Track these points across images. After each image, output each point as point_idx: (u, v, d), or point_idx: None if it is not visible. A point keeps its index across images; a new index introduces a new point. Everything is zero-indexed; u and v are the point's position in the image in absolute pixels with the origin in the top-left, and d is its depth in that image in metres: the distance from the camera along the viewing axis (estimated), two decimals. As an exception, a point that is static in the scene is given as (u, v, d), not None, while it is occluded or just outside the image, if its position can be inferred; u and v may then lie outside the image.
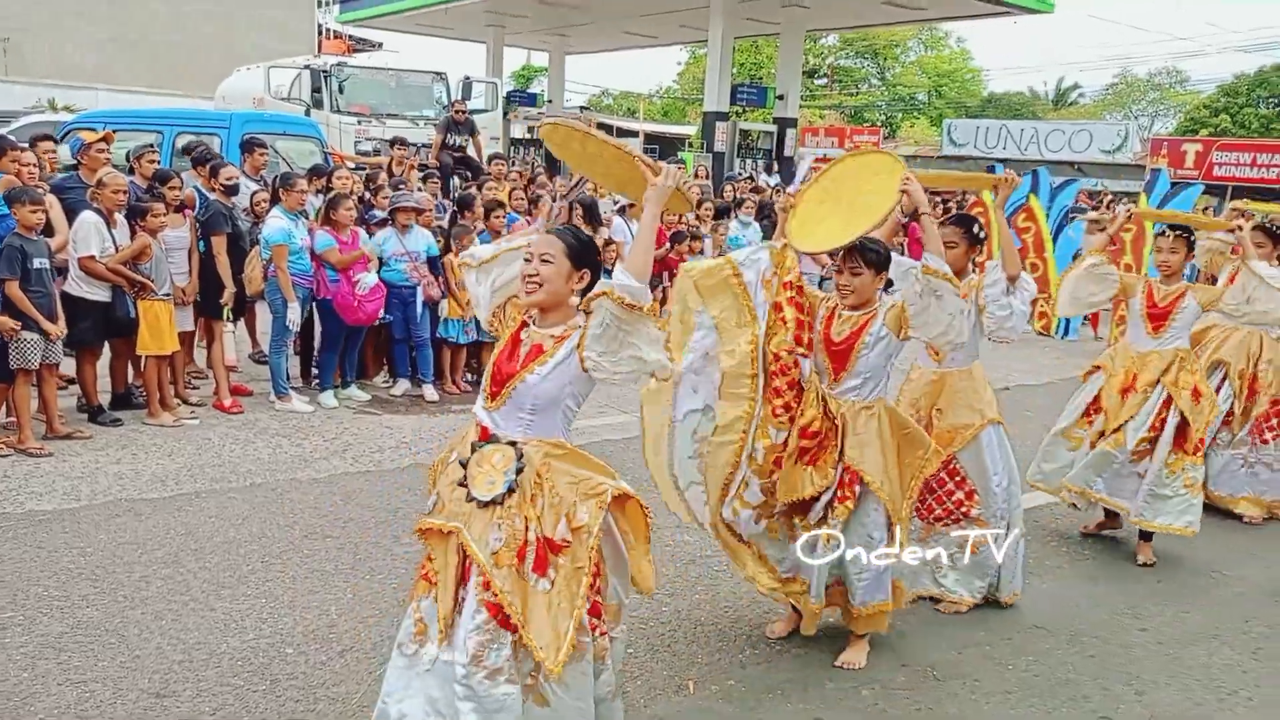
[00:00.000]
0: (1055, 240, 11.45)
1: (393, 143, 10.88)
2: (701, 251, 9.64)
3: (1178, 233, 4.83)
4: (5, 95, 20.76)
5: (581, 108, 36.89)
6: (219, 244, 6.80)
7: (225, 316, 7.00)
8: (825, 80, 46.20)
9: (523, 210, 8.65)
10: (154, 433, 6.13)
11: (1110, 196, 15.19)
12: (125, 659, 3.46)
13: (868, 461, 3.57)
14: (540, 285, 2.65)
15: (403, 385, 7.59)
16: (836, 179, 3.65)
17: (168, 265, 6.36)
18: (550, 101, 28.16)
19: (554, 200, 3.04)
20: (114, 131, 7.95)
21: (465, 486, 2.66)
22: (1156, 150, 26.62)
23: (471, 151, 12.34)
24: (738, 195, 11.36)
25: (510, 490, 2.61)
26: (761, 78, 35.40)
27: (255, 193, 7.80)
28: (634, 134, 30.07)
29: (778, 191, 14.67)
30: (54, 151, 8.21)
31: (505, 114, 24.39)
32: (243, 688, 3.32)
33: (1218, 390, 5.50)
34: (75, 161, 7.47)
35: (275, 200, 7.04)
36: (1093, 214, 12.07)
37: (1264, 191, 20.92)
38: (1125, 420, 4.78)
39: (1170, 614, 4.32)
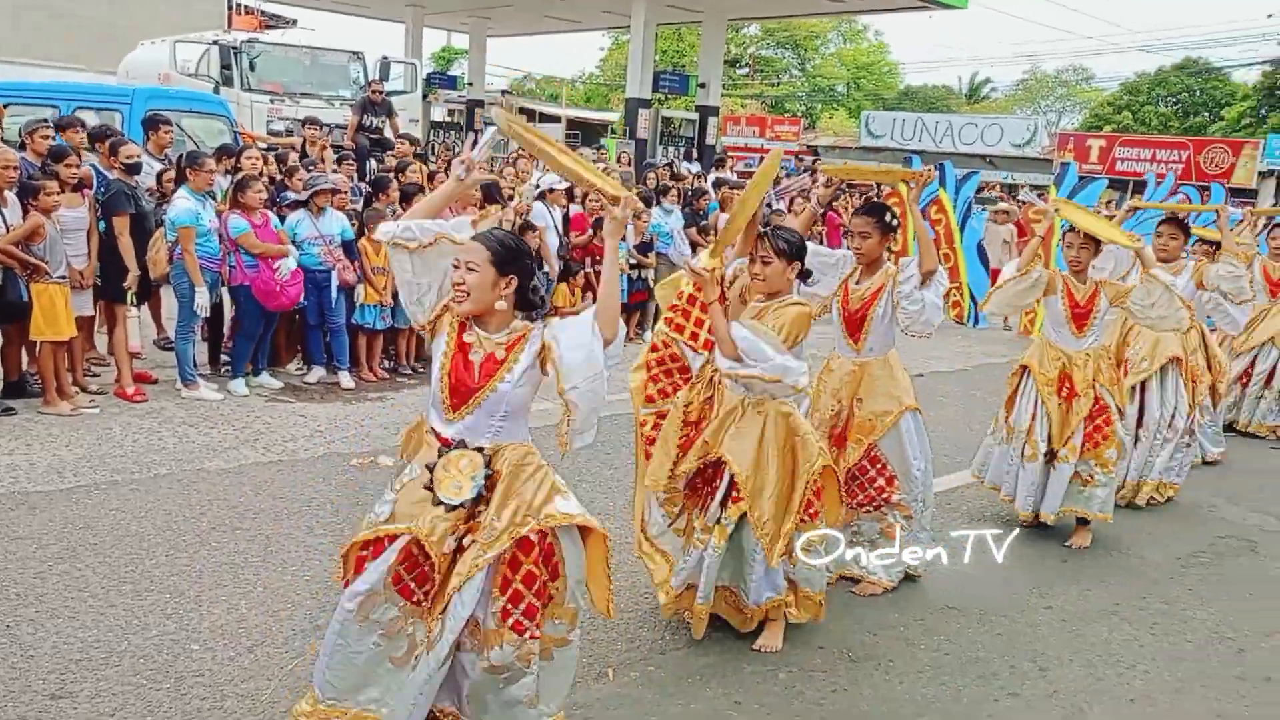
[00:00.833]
0: (961, 231, 11.74)
1: (305, 122, 10.57)
2: (624, 238, 9.61)
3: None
4: (-113, 65, 19.52)
5: (503, 91, 36.44)
6: (121, 225, 6.49)
7: (129, 301, 6.72)
8: (747, 70, 46.56)
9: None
10: (50, 422, 5.85)
11: (1028, 189, 15.65)
12: (18, 659, 3.30)
13: (737, 454, 3.59)
14: (468, 294, 2.68)
15: (317, 372, 7.40)
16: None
17: (63, 247, 6.06)
18: (471, 84, 27.75)
19: (463, 166, 2.85)
20: (5, 106, 7.54)
21: (431, 490, 2.65)
22: (1064, 145, 27.60)
23: (389, 133, 12.07)
24: (661, 183, 11.35)
25: (479, 497, 2.65)
26: (684, 66, 35.47)
27: (162, 172, 7.48)
28: (556, 119, 29.90)
29: (699, 178, 14.75)
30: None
31: (425, 96, 23.94)
32: (145, 687, 3.20)
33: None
34: (-39, 137, 7.06)
35: (181, 180, 6.77)
36: (1002, 205, 12.41)
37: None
38: (1073, 430, 4.90)
39: (1075, 593, 4.48)
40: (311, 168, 8.62)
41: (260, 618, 3.70)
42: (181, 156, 7.01)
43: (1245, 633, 4.20)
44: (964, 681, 3.64)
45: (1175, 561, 4.98)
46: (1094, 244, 4.95)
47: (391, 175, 8.46)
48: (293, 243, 7.06)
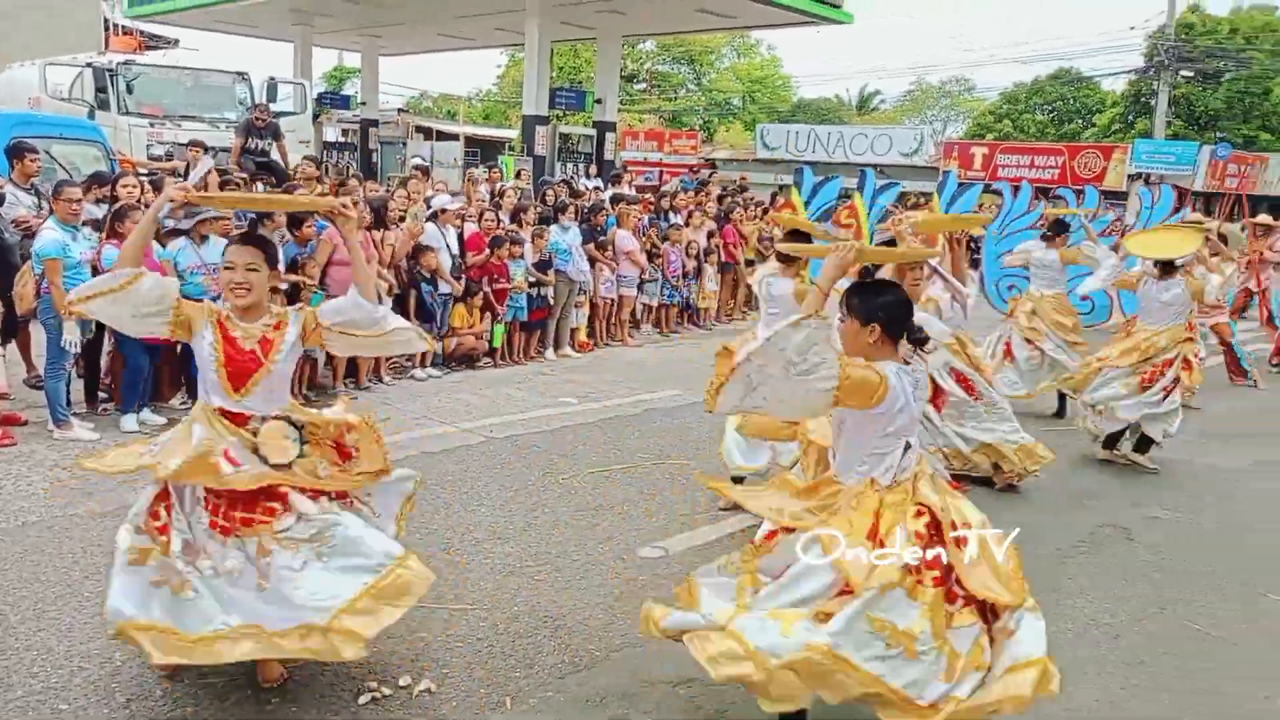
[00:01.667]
0: (872, 239, 12.08)
1: (189, 144, 10.23)
2: (521, 256, 9.56)
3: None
4: None
5: (399, 110, 35.93)
6: (-20, 259, 6.16)
7: (-8, 339, 6.36)
8: (644, 85, 46.98)
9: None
10: (-93, 472, 5.49)
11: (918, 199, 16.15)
12: None
13: None
14: (249, 291, 3.27)
15: (203, 405, 7.12)
16: None
17: (-83, 284, 5.71)
18: (364, 104, 27.28)
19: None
20: None
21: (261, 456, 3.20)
22: (949, 153, 28.62)
23: (276, 156, 11.77)
24: (559, 200, 11.33)
25: (302, 453, 3.27)
26: (581, 81, 35.59)
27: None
28: (454, 137, 29.59)
29: (597, 192, 14.79)
30: None
31: (316, 116, 23.45)
32: (8, 752, 3.01)
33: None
34: None
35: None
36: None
37: (1043, 190, 22.72)
38: None
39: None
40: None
41: (136, 669, 3.52)
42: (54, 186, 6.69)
43: (1121, 619, 4.39)
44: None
45: (1057, 552, 5.18)
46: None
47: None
48: (175, 272, 6.80)
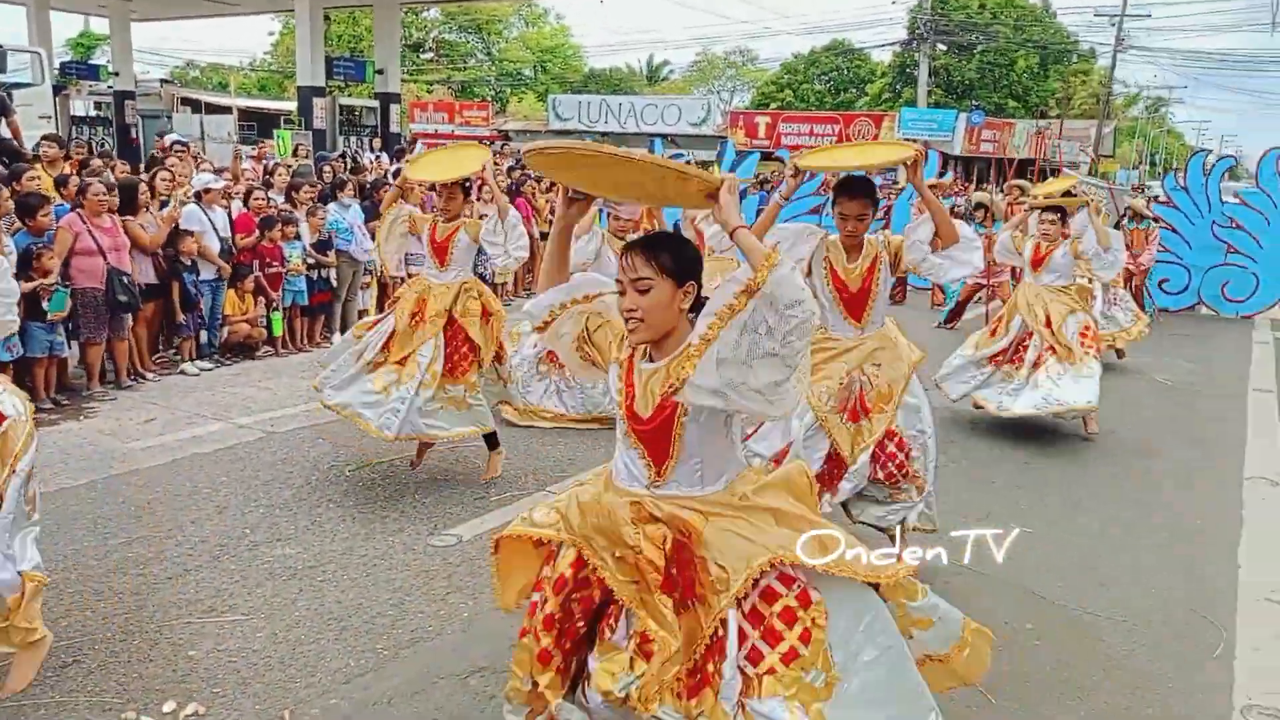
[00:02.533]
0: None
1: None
2: (297, 237, 9.02)
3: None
4: None
5: (162, 81, 33.10)
6: None
7: None
8: (431, 54, 45.59)
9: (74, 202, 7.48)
10: None
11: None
12: None
13: None
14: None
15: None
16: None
17: None
18: (117, 74, 24.90)
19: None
20: None
21: None
22: (735, 122, 29.54)
23: (5, 132, 10.51)
24: (337, 176, 10.77)
25: None
26: (362, 51, 34.03)
27: None
28: (227, 110, 27.60)
29: (378, 164, 14.19)
30: None
31: (60, 88, 21.22)
32: None
33: None
34: None
35: None
36: None
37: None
38: None
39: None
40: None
41: None
42: None
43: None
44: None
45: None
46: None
47: (2, 184, 7.35)
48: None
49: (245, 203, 9.06)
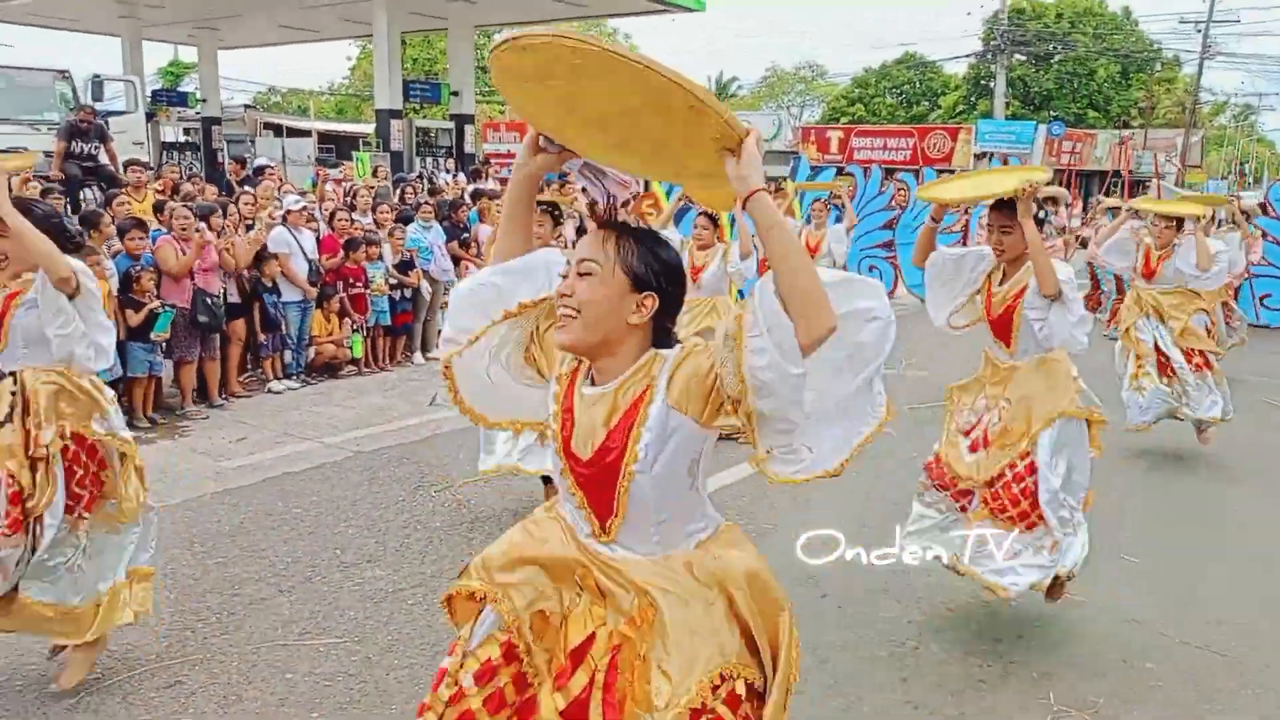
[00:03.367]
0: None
1: (3, 153, 9.35)
2: (380, 257, 9.16)
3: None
4: None
5: (246, 106, 34.21)
6: None
7: None
8: (503, 75, 46.30)
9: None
10: None
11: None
12: None
13: None
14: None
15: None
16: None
17: None
18: (204, 101, 25.77)
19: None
20: None
21: None
22: (806, 138, 29.33)
23: (104, 159, 10.92)
24: (417, 197, 10.93)
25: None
26: (437, 73, 34.70)
27: None
28: (306, 133, 28.36)
29: (456, 183, 14.37)
30: None
31: (151, 116, 22.03)
32: None
33: None
34: None
35: None
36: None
37: (891, 173, 23.52)
38: None
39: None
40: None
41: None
42: None
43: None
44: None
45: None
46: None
47: (101, 208, 7.61)
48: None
49: (330, 224, 9.23)
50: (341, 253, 8.87)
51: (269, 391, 8.17)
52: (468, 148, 21.56)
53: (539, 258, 2.01)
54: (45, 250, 3.17)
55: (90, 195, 10.10)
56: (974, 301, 3.98)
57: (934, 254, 4.01)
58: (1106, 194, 19.01)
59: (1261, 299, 12.55)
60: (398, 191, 12.05)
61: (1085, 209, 19.47)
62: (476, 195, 11.59)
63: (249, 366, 8.55)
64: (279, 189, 10.69)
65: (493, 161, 23.23)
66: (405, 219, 9.89)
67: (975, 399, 3.99)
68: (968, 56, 38.25)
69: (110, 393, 3.60)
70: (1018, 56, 35.88)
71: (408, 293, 9.49)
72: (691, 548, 1.93)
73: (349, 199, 10.98)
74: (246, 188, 9.93)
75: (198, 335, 7.43)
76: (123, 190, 8.53)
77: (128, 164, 9.97)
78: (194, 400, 7.57)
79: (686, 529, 1.95)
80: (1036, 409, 3.77)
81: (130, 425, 7.07)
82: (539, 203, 5.40)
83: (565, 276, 1.88)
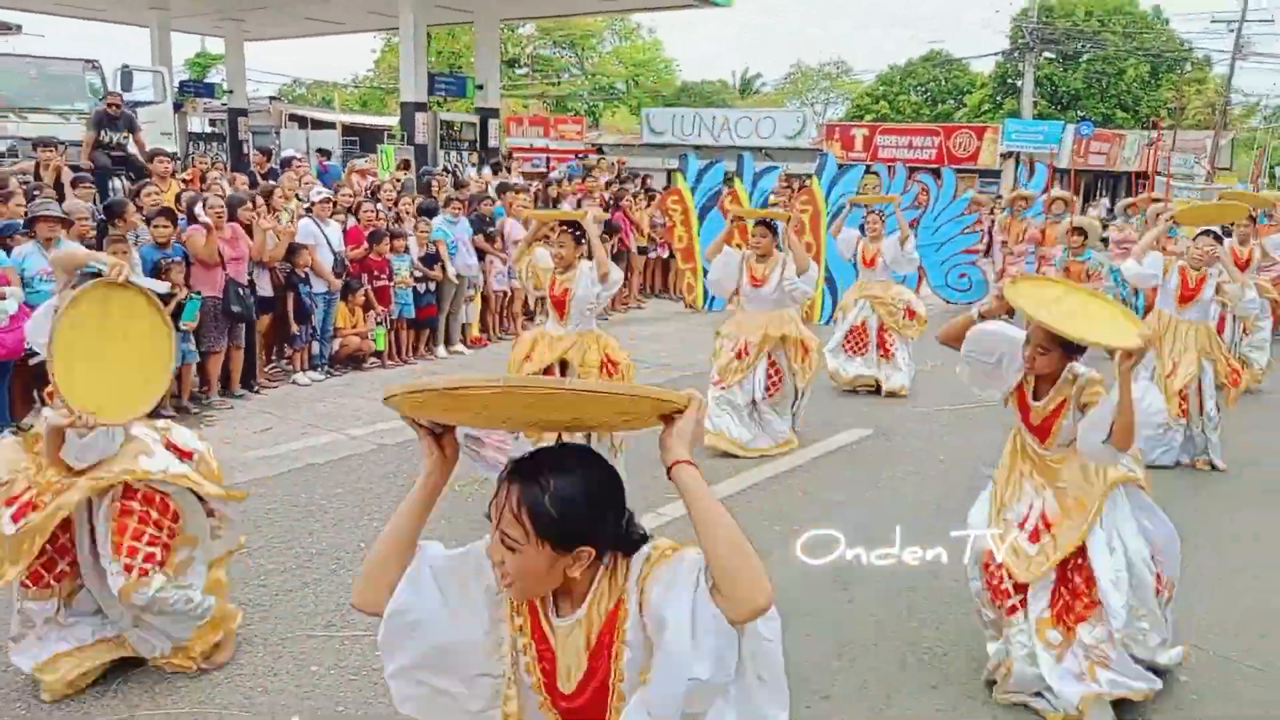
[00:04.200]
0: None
1: (36, 144, 9.46)
2: (406, 250, 9.16)
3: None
4: None
5: (271, 98, 34.40)
6: None
7: None
8: (526, 70, 46.31)
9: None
10: None
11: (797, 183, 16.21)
12: None
13: None
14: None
15: (59, 424, 6.54)
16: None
17: None
18: (231, 92, 25.91)
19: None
20: None
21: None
22: (830, 135, 29.13)
23: (132, 149, 10.98)
24: (444, 191, 10.90)
25: None
26: (462, 66, 34.76)
27: None
28: (331, 125, 28.51)
29: (482, 180, 14.36)
30: None
31: (179, 106, 22.18)
32: None
33: None
34: None
35: None
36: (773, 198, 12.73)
37: (915, 171, 23.33)
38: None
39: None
40: (36, 193, 7.64)
41: None
42: None
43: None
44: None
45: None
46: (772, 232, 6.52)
47: (128, 198, 7.64)
48: (21, 280, 6.24)
49: (355, 215, 9.25)
50: (366, 245, 8.88)
51: (294, 383, 8.20)
52: (492, 141, 21.57)
53: (456, 641, 1.76)
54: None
55: (119, 185, 10.15)
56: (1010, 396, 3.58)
57: (969, 352, 3.53)
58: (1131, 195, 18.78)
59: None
60: (425, 185, 12.06)
61: (1111, 210, 19.21)
62: (502, 189, 11.58)
63: (273, 357, 8.58)
64: (300, 182, 10.72)
65: (516, 155, 23.24)
66: (428, 211, 9.89)
67: (1023, 487, 3.59)
68: (995, 55, 37.94)
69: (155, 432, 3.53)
70: (1045, 55, 35.52)
71: (432, 286, 9.49)
72: None
73: (371, 191, 10.99)
74: (271, 180, 9.96)
75: (227, 325, 7.45)
76: (149, 180, 8.55)
77: (153, 154, 10.02)
78: (219, 390, 7.60)
79: None
80: (1082, 493, 3.43)
81: (156, 414, 7.16)
82: (563, 222, 5.27)
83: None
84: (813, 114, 38.03)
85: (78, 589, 3.48)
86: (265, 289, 8.01)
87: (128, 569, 3.25)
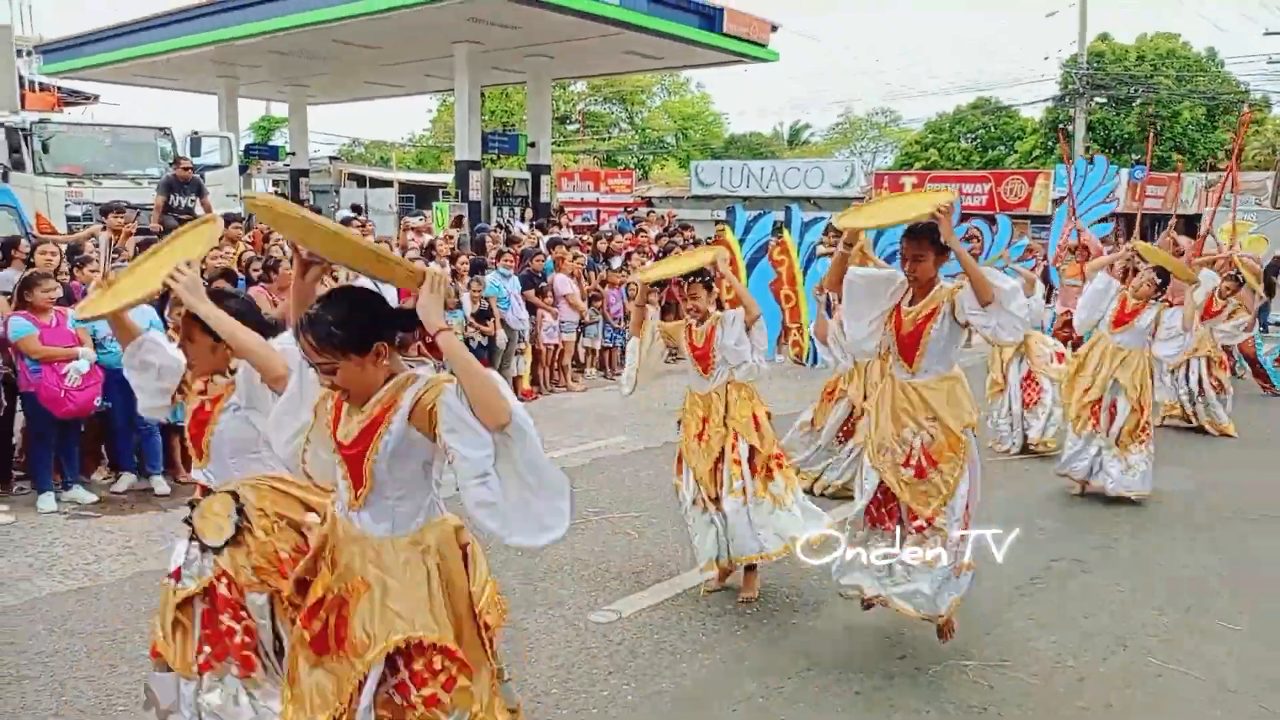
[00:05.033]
0: (805, 274, 12.18)
1: (104, 210, 9.90)
2: (459, 306, 9.37)
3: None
4: None
5: (331, 158, 35.53)
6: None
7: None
8: (577, 125, 47.21)
9: (259, 276, 8.01)
10: None
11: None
12: None
13: None
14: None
15: (127, 479, 6.78)
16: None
17: None
18: (294, 154, 26.89)
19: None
20: None
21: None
22: (879, 184, 29.12)
23: (200, 211, 11.43)
24: (498, 249, 11.15)
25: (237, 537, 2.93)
26: (514, 124, 35.58)
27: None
28: (389, 184, 29.34)
29: (535, 230, 14.66)
30: None
31: (244, 169, 23.04)
32: None
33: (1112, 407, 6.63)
34: None
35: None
36: (821, 248, 12.80)
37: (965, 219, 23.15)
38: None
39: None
40: (116, 256, 8.00)
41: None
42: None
43: (1084, 659, 4.32)
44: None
45: (1014, 589, 5.12)
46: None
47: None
48: (93, 340, 6.51)
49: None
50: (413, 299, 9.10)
51: (349, 437, 8.37)
52: (543, 197, 21.99)
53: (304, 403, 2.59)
54: (260, 352, 2.75)
55: (186, 246, 10.58)
56: (886, 323, 4.16)
57: (848, 276, 4.18)
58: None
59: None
60: (479, 242, 12.34)
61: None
62: (552, 244, 11.80)
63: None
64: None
65: (566, 209, 23.64)
66: (478, 267, 10.12)
67: (901, 430, 4.11)
68: (1045, 101, 37.74)
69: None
70: (1097, 100, 35.26)
71: (484, 340, 9.67)
72: (413, 530, 2.51)
73: (427, 250, 11.28)
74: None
75: (283, 382, 7.67)
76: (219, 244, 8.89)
77: (226, 219, 10.38)
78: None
79: (412, 514, 2.51)
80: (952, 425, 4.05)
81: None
82: (693, 274, 4.83)
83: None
84: (861, 163, 38.11)
85: None
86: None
87: None
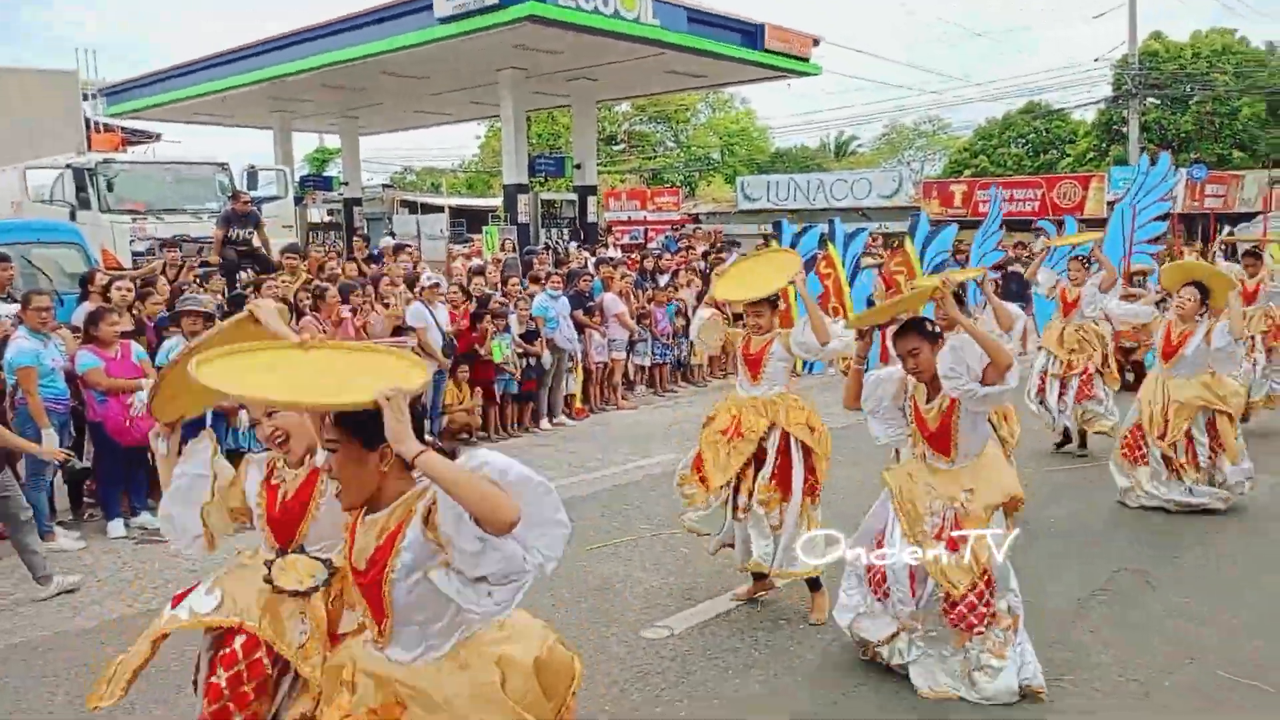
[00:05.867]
0: (851, 285, 12.11)
1: (164, 244, 10.24)
2: (507, 329, 9.49)
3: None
4: None
5: (384, 185, 36.27)
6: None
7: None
8: (623, 145, 47.55)
9: (307, 306, 8.17)
10: (-115, 599, 5.31)
11: (880, 239, 16.14)
12: None
13: None
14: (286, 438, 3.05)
15: (192, 505, 6.96)
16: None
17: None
18: (346, 184, 27.49)
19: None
20: None
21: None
22: (928, 192, 28.84)
23: (257, 243, 11.75)
24: (546, 270, 11.29)
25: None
26: (561, 146, 35.98)
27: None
28: (439, 209, 29.83)
29: (581, 251, 14.80)
30: None
31: (299, 200, 23.59)
32: None
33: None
34: None
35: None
36: (866, 259, 12.77)
37: (1019, 224, 22.89)
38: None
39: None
40: (186, 288, 8.29)
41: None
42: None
43: (1149, 673, 4.22)
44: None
45: (1076, 602, 5.01)
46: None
47: (250, 292, 8.20)
48: (158, 372, 6.73)
49: (466, 293, 9.69)
50: (470, 322, 9.25)
51: (405, 460, 8.52)
52: (590, 217, 22.18)
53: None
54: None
55: (246, 277, 10.87)
56: (910, 423, 4.09)
57: (870, 403, 4.13)
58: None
59: None
60: (528, 264, 12.50)
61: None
62: (600, 264, 11.90)
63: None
64: (413, 264, 11.24)
65: (614, 229, 23.79)
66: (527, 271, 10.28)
67: (931, 501, 3.96)
68: (1097, 103, 37.05)
69: None
70: (1151, 100, 34.52)
71: (533, 360, 9.77)
72: (448, 650, 2.35)
73: (474, 275, 11.44)
74: (374, 265, 10.51)
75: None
76: (274, 275, 9.15)
77: (287, 249, 10.67)
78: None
79: (447, 634, 2.35)
80: (989, 499, 3.94)
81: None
82: (761, 300, 4.87)
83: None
84: (909, 172, 37.77)
85: None
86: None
87: None
